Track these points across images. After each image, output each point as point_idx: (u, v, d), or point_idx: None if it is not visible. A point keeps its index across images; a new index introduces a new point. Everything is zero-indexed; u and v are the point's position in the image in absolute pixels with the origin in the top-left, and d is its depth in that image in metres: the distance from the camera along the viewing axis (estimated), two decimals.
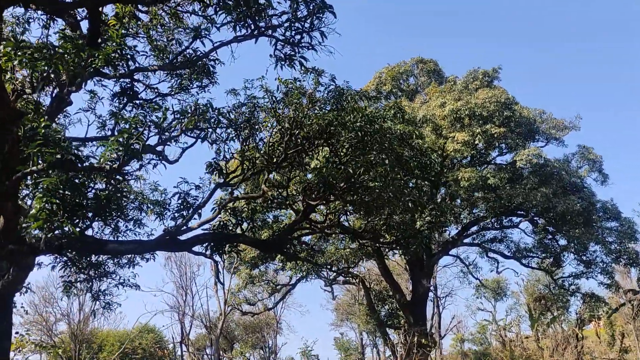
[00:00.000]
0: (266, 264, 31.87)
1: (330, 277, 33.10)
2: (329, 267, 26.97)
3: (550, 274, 33.98)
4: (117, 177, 10.92)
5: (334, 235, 26.63)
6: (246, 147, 13.01)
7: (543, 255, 32.20)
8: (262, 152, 12.99)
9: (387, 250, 34.94)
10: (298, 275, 30.78)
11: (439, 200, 28.45)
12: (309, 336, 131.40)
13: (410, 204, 12.96)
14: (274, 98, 12.58)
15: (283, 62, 12.02)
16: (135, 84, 13.39)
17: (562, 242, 31.76)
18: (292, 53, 12.03)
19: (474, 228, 32.56)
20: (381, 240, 16.27)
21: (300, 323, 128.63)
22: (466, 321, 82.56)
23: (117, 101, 13.03)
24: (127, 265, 15.53)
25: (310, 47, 11.78)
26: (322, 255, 27.72)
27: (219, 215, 13.82)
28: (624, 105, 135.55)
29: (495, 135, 26.66)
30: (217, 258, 14.77)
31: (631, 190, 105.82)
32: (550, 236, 31.90)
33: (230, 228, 13.88)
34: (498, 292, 48.98)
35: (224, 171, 13.43)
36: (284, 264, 28.92)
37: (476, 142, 26.94)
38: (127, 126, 9.10)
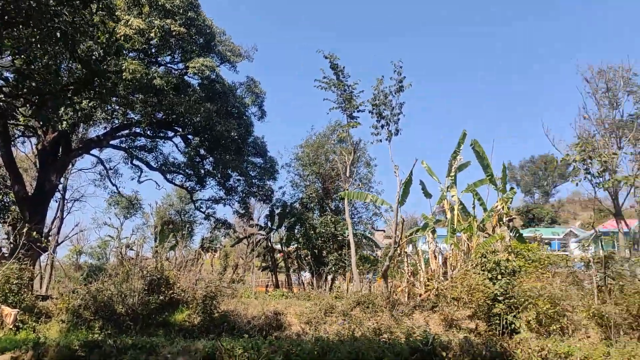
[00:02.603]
0: None
1: None
2: None
3: (191, 194, 33.43)
4: None
5: None
6: None
7: (189, 174, 31.30)
8: None
9: (16, 136, 29.52)
10: None
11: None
12: None
13: (59, 34, 9.42)
14: None
15: None
16: None
17: (209, 167, 31.44)
18: None
19: (125, 131, 29.63)
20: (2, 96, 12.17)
21: None
22: (89, 234, 78.76)
23: None
24: None
25: None
26: None
27: None
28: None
29: (174, 34, 24.23)
30: None
31: (281, 131, 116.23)
32: (199, 158, 31.13)
33: None
34: (134, 203, 46.90)
35: None
36: None
37: (152, 35, 24.00)
38: None
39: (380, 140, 21.84)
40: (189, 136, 29.77)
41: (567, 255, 20.39)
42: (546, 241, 59.54)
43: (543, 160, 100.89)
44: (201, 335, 15.20)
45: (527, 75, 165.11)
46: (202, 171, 31.29)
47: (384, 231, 67.39)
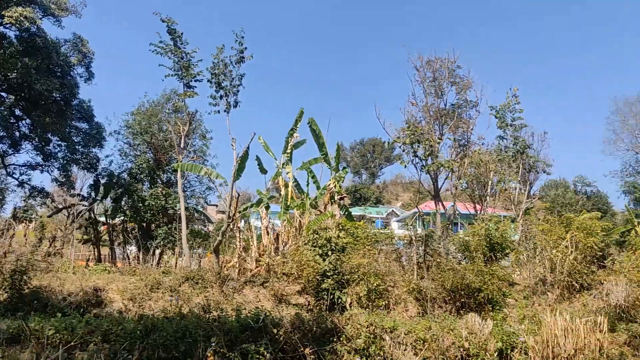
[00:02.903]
0: None
1: None
2: None
3: (3, 158, 30.02)
4: None
5: None
6: None
7: (1, 135, 28.02)
8: None
9: None
10: None
11: None
12: None
13: None
14: None
15: None
16: None
17: (25, 129, 28.54)
18: None
19: None
20: None
21: None
22: None
23: None
24: None
25: None
26: None
27: None
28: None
29: None
30: None
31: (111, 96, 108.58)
32: (14, 119, 28.04)
33: None
34: None
35: None
36: None
37: None
38: None
39: (218, 112, 21.16)
40: (3, 94, 26.68)
41: (391, 233, 21.50)
42: (373, 220, 63.12)
43: (372, 143, 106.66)
44: (7, 313, 13.63)
45: (368, 58, 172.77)
46: (17, 133, 28.27)
47: (216, 206, 66.77)
